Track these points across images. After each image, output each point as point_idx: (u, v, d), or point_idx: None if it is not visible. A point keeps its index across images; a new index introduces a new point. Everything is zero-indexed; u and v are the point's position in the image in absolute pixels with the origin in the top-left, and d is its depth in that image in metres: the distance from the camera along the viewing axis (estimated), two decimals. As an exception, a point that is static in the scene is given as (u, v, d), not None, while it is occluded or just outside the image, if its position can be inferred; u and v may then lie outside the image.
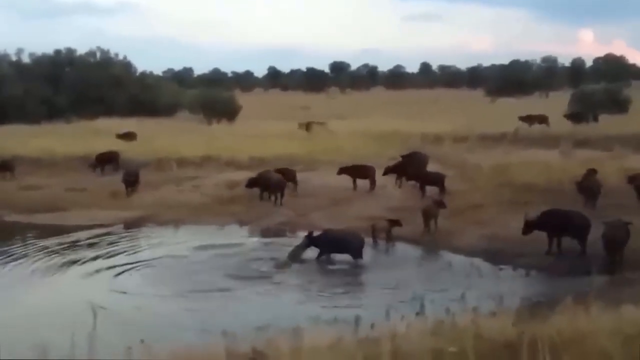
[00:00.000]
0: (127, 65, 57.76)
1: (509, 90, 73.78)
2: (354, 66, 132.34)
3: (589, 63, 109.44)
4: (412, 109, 51.58)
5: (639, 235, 14.51)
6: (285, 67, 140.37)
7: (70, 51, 56.74)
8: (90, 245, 17.62)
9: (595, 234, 14.92)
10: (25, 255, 16.50)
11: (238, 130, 37.42)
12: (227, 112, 48.87)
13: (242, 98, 58.69)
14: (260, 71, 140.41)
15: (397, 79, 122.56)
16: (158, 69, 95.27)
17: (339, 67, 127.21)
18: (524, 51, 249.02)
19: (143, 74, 60.05)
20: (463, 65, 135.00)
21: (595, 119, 39.09)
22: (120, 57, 57.71)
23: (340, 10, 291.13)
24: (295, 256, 15.45)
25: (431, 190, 21.28)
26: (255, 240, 18.25)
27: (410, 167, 23.05)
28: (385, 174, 22.85)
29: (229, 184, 23.41)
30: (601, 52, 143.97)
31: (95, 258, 16.26)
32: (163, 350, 6.62)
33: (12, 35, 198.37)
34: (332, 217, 19.37)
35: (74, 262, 15.91)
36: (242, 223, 19.94)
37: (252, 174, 22.84)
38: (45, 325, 10.92)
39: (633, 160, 23.63)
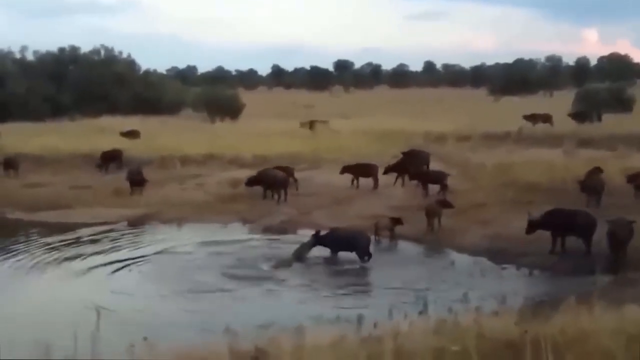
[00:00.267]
0: (130, 63, 57.82)
1: (512, 89, 73.66)
2: (357, 65, 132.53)
3: (593, 62, 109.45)
4: (416, 108, 51.57)
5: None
6: (288, 66, 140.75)
7: (74, 49, 56.84)
8: (93, 243, 17.65)
9: (600, 233, 14.91)
10: (26, 252, 16.54)
11: (241, 129, 37.45)
12: (230, 110, 48.88)
13: (246, 96, 58.69)
14: (263, 69, 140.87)
15: (400, 77, 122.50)
16: (162, 67, 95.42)
17: (342, 66, 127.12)
18: (528, 50, 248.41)
19: (147, 72, 60.12)
20: (467, 64, 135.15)
21: (599, 118, 39.01)
22: (124, 55, 57.89)
23: (344, 9, 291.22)
24: (299, 255, 15.44)
25: (435, 188, 21.29)
26: (258, 238, 18.25)
27: (411, 166, 23.04)
28: (385, 172, 22.85)
29: (232, 182, 23.42)
30: (605, 51, 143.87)
31: (97, 254, 16.29)
32: (166, 348, 6.62)
33: (16, 33, 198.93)
34: (334, 216, 19.37)
35: (75, 259, 15.94)
36: (245, 221, 19.94)
37: (255, 172, 22.84)
38: (44, 323, 10.97)
39: (637, 159, 23.58)
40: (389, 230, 17.49)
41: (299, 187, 22.65)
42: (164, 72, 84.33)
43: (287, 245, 16.61)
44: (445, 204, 18.27)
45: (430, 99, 67.72)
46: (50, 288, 13.86)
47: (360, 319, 7.88)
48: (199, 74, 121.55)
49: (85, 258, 16.01)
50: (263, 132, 34.10)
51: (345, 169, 22.92)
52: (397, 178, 22.99)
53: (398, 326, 6.88)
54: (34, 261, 15.74)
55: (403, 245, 17.21)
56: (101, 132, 34.65)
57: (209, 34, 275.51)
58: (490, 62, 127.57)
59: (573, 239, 15.34)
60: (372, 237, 16.74)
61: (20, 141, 30.04)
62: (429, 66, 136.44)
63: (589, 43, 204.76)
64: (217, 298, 12.93)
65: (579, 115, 39.47)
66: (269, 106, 58.63)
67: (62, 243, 17.48)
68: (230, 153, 28.27)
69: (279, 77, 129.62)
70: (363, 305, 12.04)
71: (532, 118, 38.51)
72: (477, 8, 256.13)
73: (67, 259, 15.97)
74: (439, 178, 21.55)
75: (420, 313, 9.04)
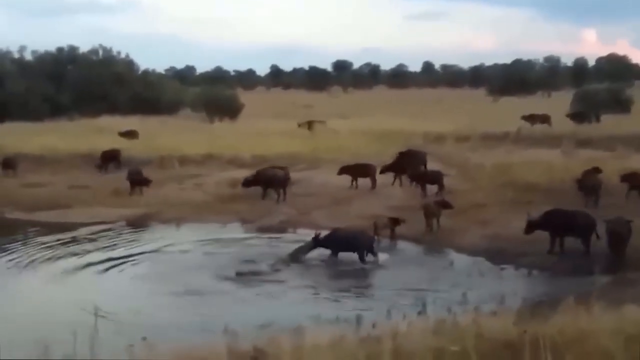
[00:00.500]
0: (129, 63, 57.76)
1: (511, 90, 73.69)
2: (356, 65, 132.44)
3: (591, 63, 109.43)
4: (415, 108, 51.57)
5: (640, 235, 14.55)
6: (287, 66, 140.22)
7: (72, 49, 56.79)
8: (91, 242, 17.66)
9: (599, 234, 14.94)
10: (22, 251, 16.57)
11: (240, 129, 37.45)
12: (229, 110, 48.88)
13: (245, 96, 58.70)
14: (262, 69, 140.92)
15: (399, 78, 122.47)
16: (160, 67, 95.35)
17: (341, 66, 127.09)
18: (526, 50, 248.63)
19: (145, 72, 60.05)
20: (466, 64, 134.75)
21: (598, 119, 39.03)
22: (123, 55, 57.76)
23: (343, 9, 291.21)
24: (296, 256, 15.43)
25: (434, 188, 21.32)
26: (257, 238, 18.25)
27: (408, 166, 23.10)
28: (382, 172, 22.89)
29: (231, 182, 23.42)
30: (604, 52, 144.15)
31: (94, 254, 16.31)
32: (164, 348, 6.62)
33: (14, 33, 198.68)
34: (334, 216, 19.38)
35: (71, 258, 15.97)
36: (244, 221, 19.94)
37: (252, 172, 22.85)
38: (39, 322, 10.98)
39: (635, 160, 23.62)
40: (389, 230, 17.49)
41: (298, 187, 22.63)
42: (163, 72, 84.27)
43: (286, 244, 16.64)
44: (445, 205, 18.27)
45: (429, 99, 67.74)
46: (43, 286, 13.88)
47: (359, 319, 7.88)
48: (197, 74, 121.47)
49: (81, 257, 16.05)
50: (262, 132, 34.10)
51: (343, 170, 22.94)
52: (395, 178, 23.03)
53: (397, 326, 6.88)
54: (29, 259, 15.81)
55: (402, 245, 17.22)
56: (100, 132, 34.64)
57: (207, 34, 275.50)
58: (489, 62, 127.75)
59: (572, 239, 15.35)
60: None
61: (19, 141, 30.02)
62: (428, 66, 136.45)
63: (588, 43, 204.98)
64: (215, 298, 12.91)
65: (577, 116, 39.51)
66: (268, 106, 58.63)
67: (59, 242, 17.52)
68: (229, 153, 28.29)
69: (278, 77, 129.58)
70: (362, 306, 12.07)
71: (531, 118, 38.54)
72: (476, 8, 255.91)
73: (63, 257, 16.01)
74: (437, 178, 21.59)
75: (419, 313, 9.04)
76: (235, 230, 19.15)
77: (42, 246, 17.11)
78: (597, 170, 20.88)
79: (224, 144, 29.82)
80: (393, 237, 17.48)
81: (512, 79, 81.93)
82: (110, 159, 27.23)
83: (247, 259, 15.72)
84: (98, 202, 22.04)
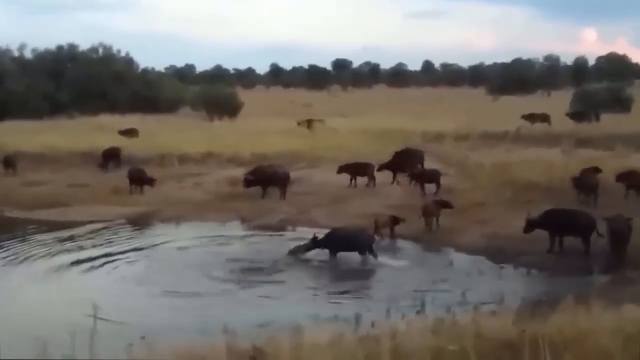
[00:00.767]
0: (129, 62, 57.75)
1: (511, 89, 73.70)
2: (356, 64, 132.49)
3: (591, 62, 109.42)
4: (414, 107, 51.57)
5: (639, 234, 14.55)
6: (287, 64, 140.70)
7: (72, 47, 56.79)
8: (90, 240, 17.65)
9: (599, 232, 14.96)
10: (21, 249, 16.60)
11: (240, 127, 37.44)
12: (228, 108, 48.85)
13: (244, 95, 58.68)
14: (262, 68, 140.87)
15: (399, 76, 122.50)
16: (160, 66, 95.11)
17: (341, 65, 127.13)
18: (526, 49, 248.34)
19: (145, 70, 60.12)
20: (465, 63, 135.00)
21: (597, 118, 39.03)
22: (123, 53, 57.80)
23: (343, 8, 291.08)
24: (295, 253, 15.42)
25: (433, 187, 21.33)
26: (256, 236, 18.25)
27: (406, 164, 23.17)
28: (379, 169, 22.94)
29: (231, 181, 23.42)
30: (604, 51, 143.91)
31: (97, 252, 16.30)
32: (164, 347, 6.62)
33: (14, 31, 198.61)
34: (333, 215, 19.38)
35: (71, 258, 15.93)
36: (243, 220, 19.94)
37: (251, 169, 22.86)
38: (35, 320, 11.00)
39: (635, 159, 23.62)
40: (389, 228, 17.49)
41: (298, 186, 22.63)
42: (162, 71, 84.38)
43: (286, 243, 16.64)
44: (445, 205, 18.26)
45: (428, 98, 67.76)
46: (38, 284, 13.89)
47: (358, 318, 7.89)
48: (197, 72, 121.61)
49: (78, 255, 16.05)
50: (261, 130, 34.09)
51: (342, 169, 22.96)
52: (393, 177, 23.07)
53: (396, 325, 6.89)
54: (25, 257, 15.87)
55: (401, 244, 17.22)
56: (99, 131, 34.63)
57: (207, 33, 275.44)
58: (488, 61, 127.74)
59: (572, 238, 15.35)
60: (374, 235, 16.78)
61: (19, 139, 30.01)
62: (428, 65, 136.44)
63: (588, 43, 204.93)
64: (213, 298, 12.88)
65: (577, 115, 39.50)
66: (267, 105, 58.62)
67: (57, 240, 17.55)
68: (228, 151, 28.28)
69: (277, 76, 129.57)
70: (361, 305, 12.06)
71: (531, 117, 38.53)
72: (476, 7, 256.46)
73: (59, 255, 16.03)
74: (435, 177, 21.62)
75: (418, 312, 9.06)
76: (234, 229, 19.13)
77: (39, 244, 17.13)
78: (596, 169, 20.91)
79: (224, 143, 29.82)
80: (393, 235, 17.48)
81: (512, 78, 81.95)
82: (111, 157, 27.22)
83: (246, 257, 15.71)
84: (98, 200, 22.02)
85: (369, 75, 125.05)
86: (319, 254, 15.44)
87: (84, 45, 57.10)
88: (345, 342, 6.30)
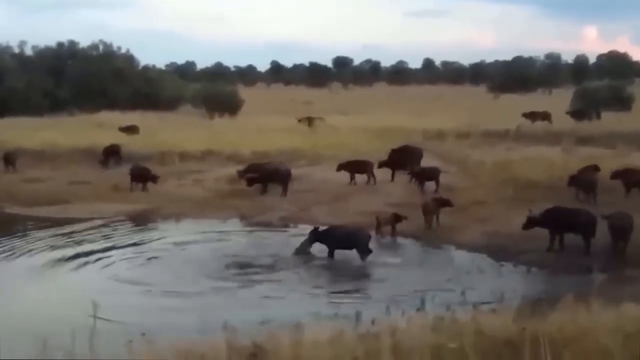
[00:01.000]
0: (129, 59, 57.70)
1: (512, 87, 73.65)
2: (356, 61, 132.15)
3: (592, 60, 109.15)
4: (415, 105, 51.55)
5: (639, 232, 14.55)
6: (288, 62, 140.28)
7: (73, 44, 56.80)
8: (89, 237, 17.67)
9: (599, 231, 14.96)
10: (19, 246, 16.65)
11: (240, 125, 37.42)
12: (229, 106, 48.83)
13: (245, 92, 58.65)
14: (262, 66, 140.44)
15: (399, 74, 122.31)
16: (161, 63, 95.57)
17: (341, 62, 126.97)
18: (527, 47, 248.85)
19: (146, 67, 60.00)
20: (466, 61, 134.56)
21: (598, 116, 39.02)
22: (123, 50, 57.74)
23: (344, 5, 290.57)
24: (301, 252, 15.41)
25: (432, 185, 21.35)
26: (257, 234, 18.26)
27: (406, 161, 23.22)
28: (379, 167, 23.00)
29: (231, 178, 23.41)
30: (605, 49, 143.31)
31: (95, 250, 16.32)
32: (164, 344, 6.61)
33: (15, 28, 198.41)
34: (334, 212, 19.40)
35: (69, 254, 15.97)
36: (243, 217, 19.95)
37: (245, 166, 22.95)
38: (33, 318, 11.00)
39: (636, 157, 23.61)
40: (391, 225, 17.48)
41: (298, 184, 22.64)
42: (163, 68, 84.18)
43: (286, 240, 16.66)
44: (445, 203, 18.26)
45: (429, 96, 67.71)
46: (37, 281, 13.92)
47: (358, 316, 7.88)
48: (197, 69, 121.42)
49: (77, 251, 16.11)
50: (262, 128, 34.08)
51: (341, 167, 22.96)
52: (392, 174, 23.10)
53: (396, 323, 6.88)
54: (24, 252, 15.95)
55: (401, 241, 17.23)
56: (100, 128, 34.65)
57: (208, 30, 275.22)
58: (489, 59, 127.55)
59: (572, 236, 15.36)
60: (373, 233, 16.77)
61: (19, 136, 30.02)
62: (429, 63, 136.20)
63: (589, 41, 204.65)
64: (213, 295, 12.88)
65: (577, 113, 39.50)
66: (268, 102, 58.57)
67: (56, 237, 17.61)
68: (229, 149, 28.29)
69: (278, 73, 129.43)
70: (360, 302, 12.07)
71: (531, 116, 38.54)
72: (477, 5, 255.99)
73: (57, 252, 16.09)
74: (434, 175, 21.63)
75: (418, 310, 9.04)
76: (235, 226, 19.15)
77: (38, 241, 17.18)
78: (595, 168, 20.95)
79: (224, 140, 29.82)
80: (394, 233, 17.48)
81: (513, 76, 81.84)
82: (111, 154, 27.23)
83: (246, 255, 15.71)
84: (98, 197, 22.04)
85: (369, 73, 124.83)
86: (322, 251, 15.44)
87: (84, 42, 57.24)
88: (345, 339, 6.30)
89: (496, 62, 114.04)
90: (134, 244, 17.06)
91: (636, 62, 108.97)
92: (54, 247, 16.55)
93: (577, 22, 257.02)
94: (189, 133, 31.96)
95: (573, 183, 19.59)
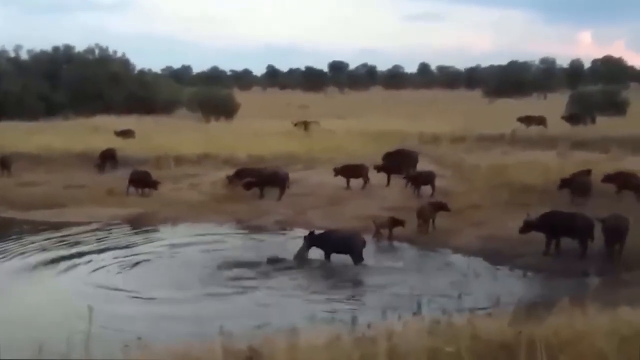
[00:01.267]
0: (125, 63, 57.70)
1: (507, 91, 73.86)
2: (352, 66, 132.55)
3: (587, 65, 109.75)
4: (411, 109, 51.59)
5: (636, 236, 14.59)
6: (284, 66, 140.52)
7: (68, 48, 56.80)
8: (84, 241, 17.63)
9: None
10: (12, 249, 16.67)
11: (236, 129, 37.40)
12: (225, 110, 48.85)
13: (241, 96, 58.64)
14: (258, 70, 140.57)
15: (395, 79, 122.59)
16: (156, 67, 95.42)
17: (337, 67, 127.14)
18: (522, 52, 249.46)
19: (141, 71, 60.07)
20: (462, 65, 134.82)
21: (593, 121, 39.12)
22: (119, 54, 57.79)
23: (340, 10, 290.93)
24: (300, 258, 15.38)
25: (428, 189, 21.37)
26: (252, 238, 18.24)
27: (403, 165, 23.26)
28: (378, 171, 23.06)
29: (227, 182, 23.36)
30: (600, 54, 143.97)
31: (89, 253, 16.29)
32: (160, 348, 6.60)
33: (10, 32, 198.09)
34: (329, 216, 19.40)
35: (64, 258, 15.95)
36: (239, 221, 19.93)
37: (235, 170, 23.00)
38: (31, 321, 10.96)
39: (630, 162, 23.65)
40: (388, 229, 17.48)
41: (294, 188, 22.61)
42: (159, 72, 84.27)
43: (283, 244, 16.63)
44: (441, 207, 18.28)
45: (425, 101, 67.82)
46: (31, 285, 13.92)
47: (354, 320, 7.88)
48: (193, 73, 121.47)
49: (71, 256, 16.06)
50: (258, 132, 34.07)
51: (338, 172, 22.95)
52: (388, 179, 23.12)
53: (392, 327, 6.88)
54: (16, 255, 15.99)
55: (397, 245, 17.23)
56: (95, 132, 34.57)
57: (204, 34, 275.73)
58: (485, 64, 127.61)
59: (568, 240, 15.38)
60: (371, 237, 16.75)
61: (15, 140, 29.94)
62: (424, 68, 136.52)
63: (583, 45, 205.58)
64: (208, 299, 12.84)
65: (572, 118, 39.61)
66: (264, 106, 58.58)
67: (51, 241, 17.55)
68: (224, 153, 28.25)
69: (274, 77, 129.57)
70: (357, 306, 12.06)
71: (527, 120, 38.63)
72: (472, 10, 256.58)
73: (52, 256, 16.07)
74: (430, 179, 21.66)
75: (414, 314, 9.05)
76: (230, 230, 19.12)
77: (32, 244, 17.14)
78: (588, 172, 21.03)
79: (220, 144, 29.78)
80: (391, 237, 17.47)
81: (508, 80, 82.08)
82: (108, 158, 27.18)
83: (241, 259, 15.66)
84: (94, 201, 22.00)
85: (365, 77, 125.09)
86: (320, 255, 15.43)
87: (80, 46, 57.26)
88: (341, 343, 6.30)
89: (491, 66, 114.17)
90: (128, 248, 17.03)
91: (631, 67, 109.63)
92: (47, 250, 16.55)
93: (572, 27, 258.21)
94: (184, 137, 31.92)
95: (564, 186, 19.67)
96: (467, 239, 16.95)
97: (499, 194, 20.17)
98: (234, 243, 17.56)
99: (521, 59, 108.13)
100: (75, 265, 15.27)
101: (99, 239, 18.01)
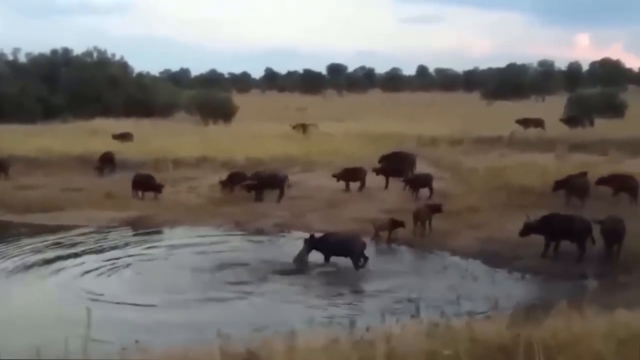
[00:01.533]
0: (123, 66, 57.68)
1: (505, 94, 73.91)
2: (350, 68, 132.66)
3: (585, 67, 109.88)
4: (409, 112, 51.63)
5: (632, 239, 14.61)
6: (282, 69, 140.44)
7: (66, 51, 56.78)
8: (81, 244, 17.61)
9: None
10: (6, 252, 16.65)
11: (234, 132, 37.38)
12: (223, 113, 48.80)
13: (239, 99, 58.65)
14: (257, 72, 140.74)
15: (393, 81, 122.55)
16: (155, 70, 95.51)
17: (336, 69, 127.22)
18: (520, 55, 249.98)
19: (140, 74, 60.01)
20: (460, 68, 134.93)
21: (591, 123, 39.16)
22: (117, 57, 57.74)
23: (338, 12, 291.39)
24: (300, 261, 15.35)
25: (426, 191, 21.39)
26: (250, 241, 18.24)
27: (400, 167, 23.27)
28: (377, 174, 23.06)
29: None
30: (598, 56, 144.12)
31: (88, 257, 16.28)
32: (157, 351, 6.60)
33: (8, 35, 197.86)
34: (328, 219, 19.39)
35: (59, 259, 16.00)
36: (237, 224, 19.91)
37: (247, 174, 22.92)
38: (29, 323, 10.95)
39: (628, 164, 23.69)
40: (388, 231, 17.47)
41: (292, 190, 22.62)
42: (157, 75, 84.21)
43: (281, 246, 16.62)
44: (437, 209, 18.29)
45: (423, 103, 67.87)
46: (27, 286, 13.96)
47: (352, 323, 7.88)
48: (192, 76, 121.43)
49: (69, 259, 16.08)
50: (256, 135, 34.04)
51: (339, 177, 22.94)
52: (387, 181, 23.12)
53: (390, 330, 6.89)
54: (6, 258, 15.99)
55: (396, 248, 17.23)
56: (94, 135, 34.52)
57: (202, 37, 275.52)
58: (483, 66, 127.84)
59: (567, 242, 15.40)
60: (370, 239, 16.74)
61: (13, 143, 29.88)
62: (422, 70, 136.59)
63: (582, 48, 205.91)
64: (206, 303, 12.81)
65: (571, 120, 39.64)
66: (262, 109, 58.55)
67: (47, 244, 17.56)
68: (223, 156, 28.24)
69: (272, 80, 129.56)
70: (355, 309, 12.06)
71: (525, 122, 38.66)
72: (470, 13, 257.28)
73: (50, 259, 16.06)
74: (427, 181, 21.67)
75: (413, 316, 9.05)
76: (228, 233, 19.10)
77: (28, 247, 17.15)
78: (585, 175, 21.07)
79: (218, 147, 29.77)
80: (389, 240, 17.47)
81: (506, 83, 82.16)
82: (106, 161, 27.15)
83: (239, 262, 15.64)
84: (92, 204, 21.96)
85: (363, 80, 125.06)
86: (317, 258, 15.42)
87: (78, 49, 57.20)
88: (340, 346, 6.30)
89: (490, 69, 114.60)
90: (128, 250, 17.03)
91: (629, 69, 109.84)
92: (42, 253, 16.53)
93: (570, 29, 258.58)
94: (183, 140, 31.90)
95: (558, 188, 19.69)
96: (466, 241, 16.96)
97: (497, 196, 20.18)
98: (232, 246, 17.54)
99: (519, 61, 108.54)
100: (67, 268, 15.28)
101: (96, 241, 18.00)
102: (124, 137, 32.79)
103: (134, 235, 18.97)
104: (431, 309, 10.92)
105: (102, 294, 13.04)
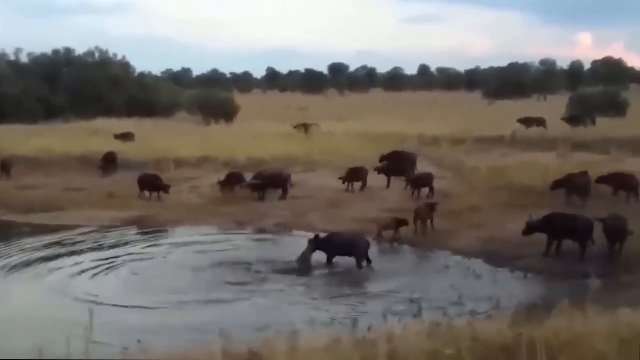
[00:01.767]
0: (125, 66, 57.67)
1: (507, 93, 73.79)
2: (352, 68, 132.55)
3: (587, 66, 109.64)
4: (411, 111, 51.58)
5: (634, 239, 14.59)
6: (283, 69, 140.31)
7: (68, 51, 56.78)
8: (83, 244, 17.63)
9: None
10: (6, 252, 16.69)
11: (236, 131, 37.39)
12: (225, 113, 48.79)
13: (241, 99, 58.64)
14: (258, 72, 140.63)
15: (395, 81, 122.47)
16: (157, 70, 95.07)
17: (337, 69, 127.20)
18: (522, 54, 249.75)
19: (142, 74, 59.99)
20: (461, 67, 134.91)
21: (593, 122, 39.09)
22: (119, 57, 57.74)
23: (340, 12, 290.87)
24: (304, 261, 15.33)
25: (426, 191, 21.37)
26: (252, 240, 18.24)
27: (402, 167, 23.26)
28: (379, 173, 23.03)
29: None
30: (599, 56, 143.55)
31: (89, 256, 16.30)
32: (159, 351, 6.60)
33: (10, 35, 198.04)
34: (329, 218, 19.38)
35: (57, 260, 16.03)
36: (239, 224, 19.92)
37: (249, 174, 22.88)
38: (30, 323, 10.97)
39: (630, 163, 23.65)
40: (392, 230, 17.46)
41: (294, 190, 22.62)
42: (159, 75, 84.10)
43: (283, 246, 16.62)
44: (434, 207, 18.31)
45: (424, 102, 67.80)
46: (26, 286, 13.99)
47: (354, 323, 7.88)
48: (194, 76, 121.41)
49: (71, 259, 16.09)
50: (258, 134, 34.04)
51: (345, 179, 22.91)
52: (389, 181, 23.11)
53: (392, 329, 6.88)
54: (7, 257, 16.07)
55: (398, 247, 17.23)
56: (95, 135, 34.54)
57: (204, 37, 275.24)
58: (485, 65, 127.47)
59: (569, 242, 15.38)
60: (372, 239, 16.73)
61: (14, 143, 29.91)
62: (424, 70, 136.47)
63: (583, 47, 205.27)
64: (207, 303, 12.81)
65: (573, 119, 39.58)
66: (264, 109, 58.53)
67: (49, 244, 17.59)
68: (224, 156, 28.24)
69: (274, 80, 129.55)
70: (357, 309, 12.05)
71: (526, 122, 38.61)
72: (472, 12, 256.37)
73: (50, 258, 16.11)
74: (428, 181, 21.67)
75: (415, 316, 9.05)
76: (229, 233, 19.10)
77: (30, 246, 17.19)
78: (585, 174, 21.04)
79: (220, 147, 29.78)
80: (393, 239, 17.45)
81: (508, 82, 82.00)
82: (109, 161, 27.16)
83: (241, 262, 15.64)
84: (93, 204, 21.99)
85: (365, 80, 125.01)
86: (320, 259, 15.41)
87: (80, 49, 57.21)
88: (342, 346, 6.30)
89: (491, 68, 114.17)
90: (129, 250, 17.04)
91: (631, 68, 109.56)
92: (42, 253, 16.56)
93: (572, 28, 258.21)
94: (184, 140, 31.89)
95: (557, 187, 19.67)
96: (468, 240, 16.95)
97: (498, 195, 20.16)
98: (234, 245, 17.53)
99: (521, 60, 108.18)
100: (66, 267, 15.31)
101: (96, 241, 18.02)
102: (126, 137, 32.80)
103: (135, 234, 18.99)
104: (433, 308, 10.91)
105: (101, 294, 13.04)
